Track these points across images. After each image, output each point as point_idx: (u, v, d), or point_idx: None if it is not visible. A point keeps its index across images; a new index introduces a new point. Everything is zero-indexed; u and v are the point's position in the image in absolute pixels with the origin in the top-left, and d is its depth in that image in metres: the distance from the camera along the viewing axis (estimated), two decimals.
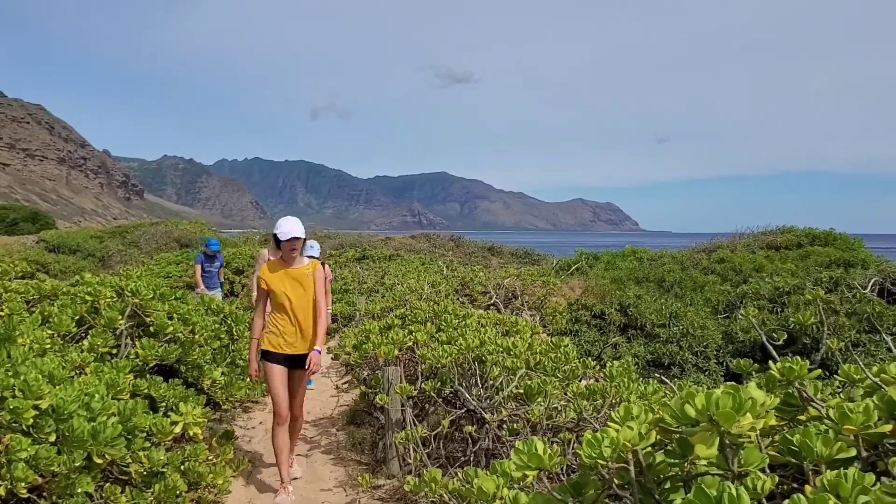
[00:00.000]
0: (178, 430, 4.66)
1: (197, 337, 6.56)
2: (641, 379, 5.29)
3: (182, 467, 4.56)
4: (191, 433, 4.85)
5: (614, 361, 5.30)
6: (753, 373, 2.75)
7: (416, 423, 5.65)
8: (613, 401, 4.44)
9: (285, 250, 5.34)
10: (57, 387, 3.70)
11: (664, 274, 17.25)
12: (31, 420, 3.23)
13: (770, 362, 2.35)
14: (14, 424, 3.24)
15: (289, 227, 5.26)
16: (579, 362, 5.54)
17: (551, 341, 6.07)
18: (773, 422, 1.90)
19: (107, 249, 28.91)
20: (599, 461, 1.99)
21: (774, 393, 2.30)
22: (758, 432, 1.86)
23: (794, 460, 1.90)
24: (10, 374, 3.36)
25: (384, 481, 5.64)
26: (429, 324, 6.88)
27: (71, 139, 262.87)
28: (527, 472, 2.14)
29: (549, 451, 2.15)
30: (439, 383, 5.60)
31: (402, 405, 5.79)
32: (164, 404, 5.24)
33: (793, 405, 2.29)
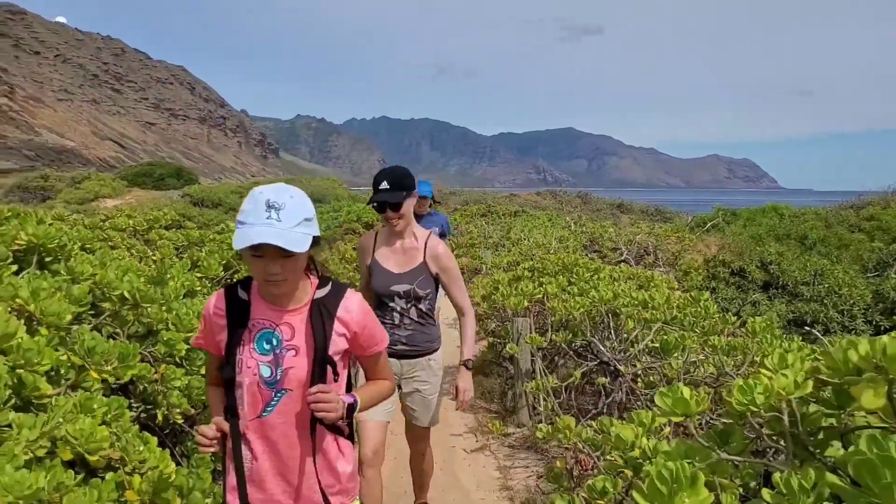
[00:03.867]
0: None
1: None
2: (785, 336, 5.03)
3: None
4: None
5: (756, 318, 5.05)
6: None
7: (546, 373, 5.63)
8: (755, 357, 4.23)
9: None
10: None
11: (807, 231, 16.31)
12: (184, 352, 3.43)
13: None
14: (168, 358, 3.44)
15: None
16: (719, 318, 5.32)
17: (690, 296, 5.86)
18: None
19: None
20: (752, 408, 1.90)
21: None
22: None
23: None
24: (164, 308, 3.57)
25: (514, 429, 5.67)
26: (559, 276, 6.80)
27: (211, 99, 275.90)
28: (673, 418, 2.06)
29: (696, 396, 2.06)
30: (570, 335, 5.53)
31: (532, 356, 5.78)
32: None
33: None
